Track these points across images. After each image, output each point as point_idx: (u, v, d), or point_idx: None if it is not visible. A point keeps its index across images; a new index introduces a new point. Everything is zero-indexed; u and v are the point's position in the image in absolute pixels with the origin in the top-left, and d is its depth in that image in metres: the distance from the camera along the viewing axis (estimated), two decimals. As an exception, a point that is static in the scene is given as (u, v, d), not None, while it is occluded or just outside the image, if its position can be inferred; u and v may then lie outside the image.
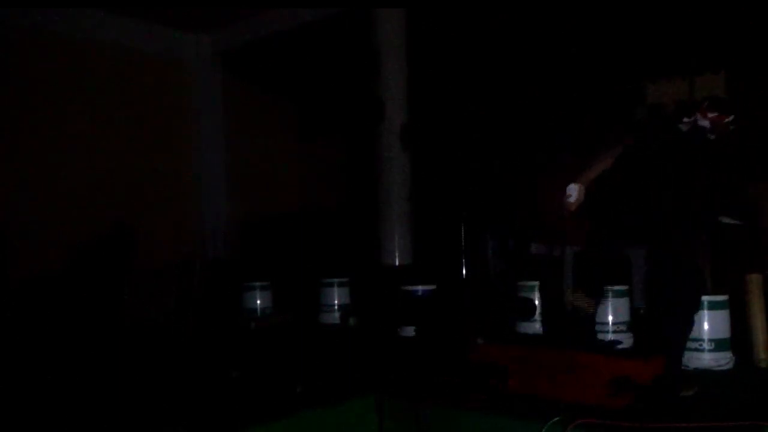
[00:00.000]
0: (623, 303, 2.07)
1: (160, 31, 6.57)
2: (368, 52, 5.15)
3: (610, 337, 2.00)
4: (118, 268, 5.28)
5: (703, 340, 1.81)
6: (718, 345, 1.80)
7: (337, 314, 2.80)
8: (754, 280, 1.90)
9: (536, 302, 2.27)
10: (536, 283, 2.33)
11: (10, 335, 3.84)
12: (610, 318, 2.04)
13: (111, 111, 6.23)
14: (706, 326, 1.81)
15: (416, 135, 5.40)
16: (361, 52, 5.28)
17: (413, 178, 5.26)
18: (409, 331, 2.42)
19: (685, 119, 2.23)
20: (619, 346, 1.90)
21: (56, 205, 5.70)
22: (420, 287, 2.54)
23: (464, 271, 2.43)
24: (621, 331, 2.04)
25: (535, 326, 2.27)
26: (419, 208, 5.26)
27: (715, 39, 5.12)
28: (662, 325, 1.90)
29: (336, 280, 2.86)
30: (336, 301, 2.84)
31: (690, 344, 1.83)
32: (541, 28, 5.46)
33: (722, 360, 1.79)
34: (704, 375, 1.79)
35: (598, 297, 1.96)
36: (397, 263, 5.10)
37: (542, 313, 2.22)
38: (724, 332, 1.83)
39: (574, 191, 2.16)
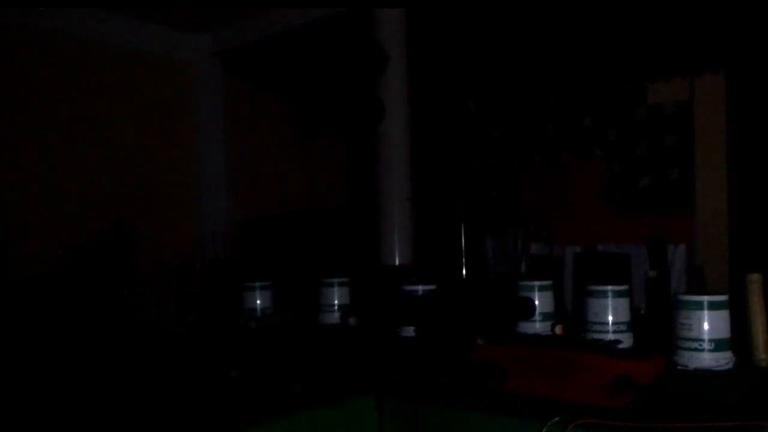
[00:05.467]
0: (623, 303, 2.07)
1: (160, 31, 6.57)
2: (370, 52, 5.15)
3: (610, 337, 2.00)
4: (118, 268, 5.29)
5: (703, 340, 1.80)
6: (718, 345, 1.80)
7: (337, 314, 2.79)
8: (754, 280, 1.89)
9: (536, 302, 2.27)
10: (536, 283, 2.32)
11: (10, 335, 3.84)
12: (610, 318, 2.03)
13: (110, 111, 6.24)
14: (706, 326, 1.80)
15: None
16: (362, 51, 5.28)
17: (413, 178, 5.27)
18: (409, 331, 2.42)
19: None
20: (619, 346, 1.89)
21: (56, 205, 5.72)
22: (420, 287, 2.53)
23: (464, 271, 2.42)
24: (621, 331, 2.03)
25: (535, 326, 2.27)
26: (419, 208, 5.27)
27: (715, 39, 5.13)
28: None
29: (336, 280, 2.85)
30: (336, 301, 2.83)
31: (690, 344, 1.83)
32: (541, 28, 5.47)
33: (722, 360, 1.78)
34: (704, 375, 1.79)
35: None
36: (397, 263, 5.11)
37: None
38: (724, 332, 1.82)
39: None
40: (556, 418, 1.42)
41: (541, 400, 1.58)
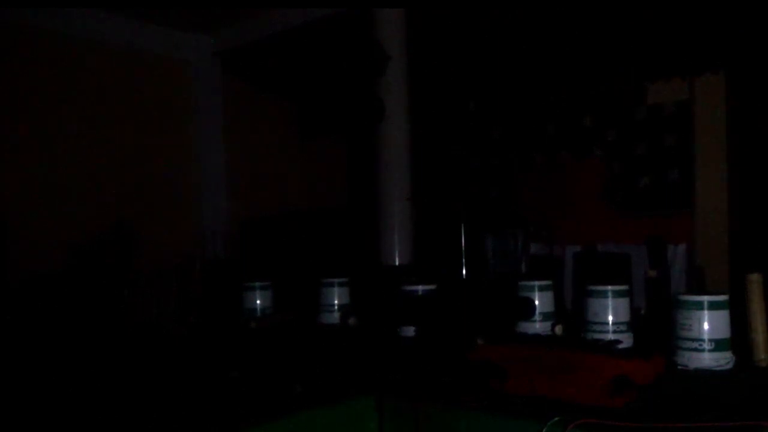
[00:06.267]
0: (623, 303, 2.07)
1: (160, 31, 6.57)
2: (370, 52, 5.15)
3: (610, 337, 2.00)
4: (118, 268, 5.28)
5: (703, 340, 1.80)
6: (718, 345, 1.80)
7: (337, 314, 2.79)
8: (754, 280, 1.89)
9: (536, 302, 2.27)
10: (536, 283, 2.32)
11: (10, 335, 3.84)
12: (610, 318, 2.03)
13: (110, 111, 6.24)
14: (706, 326, 1.81)
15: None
16: (362, 51, 5.28)
17: (413, 178, 5.26)
18: (409, 331, 2.42)
19: None
20: (619, 346, 1.89)
21: (56, 205, 5.71)
22: (420, 287, 2.53)
23: (464, 271, 2.42)
24: (621, 331, 2.03)
25: (535, 326, 2.27)
26: (419, 208, 5.27)
27: (715, 39, 5.12)
28: None
29: (336, 280, 2.85)
30: (336, 301, 2.83)
31: (690, 344, 1.83)
32: (541, 28, 5.47)
33: (722, 360, 1.79)
34: (704, 375, 1.79)
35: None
36: (397, 263, 5.11)
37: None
38: (724, 332, 1.82)
39: None
40: (556, 418, 1.42)
41: (541, 400, 1.59)
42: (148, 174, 6.42)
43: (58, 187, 5.79)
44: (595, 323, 2.05)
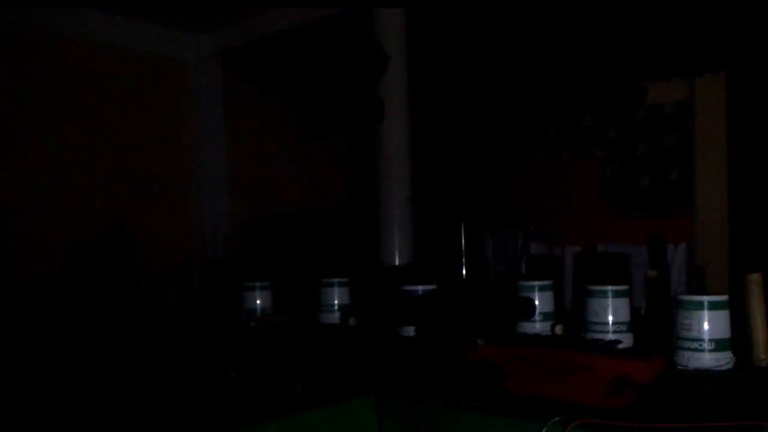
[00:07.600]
0: (623, 303, 2.06)
1: (160, 31, 6.58)
2: (370, 52, 5.15)
3: (610, 337, 2.00)
4: (117, 268, 5.28)
5: (703, 340, 1.80)
6: (718, 345, 1.80)
7: (337, 314, 2.79)
8: (754, 280, 1.89)
9: (536, 302, 2.27)
10: (536, 283, 2.32)
11: (10, 335, 3.84)
12: (610, 318, 2.03)
13: (110, 111, 6.24)
14: (706, 326, 1.80)
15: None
16: (362, 51, 5.29)
17: (413, 178, 5.26)
18: (409, 331, 2.42)
19: None
20: (619, 346, 1.89)
21: (56, 205, 5.71)
22: (420, 287, 2.53)
23: (464, 271, 2.42)
24: (621, 331, 2.03)
25: (535, 326, 2.27)
26: (419, 208, 5.27)
27: (715, 39, 5.12)
28: None
29: (336, 280, 2.85)
30: (336, 301, 2.83)
31: (690, 344, 1.83)
32: (541, 28, 5.47)
33: (722, 360, 1.78)
34: (704, 375, 1.79)
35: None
36: (397, 263, 5.11)
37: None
38: (724, 332, 1.82)
39: None
40: (556, 418, 1.42)
41: (541, 400, 1.59)
42: (148, 174, 6.42)
43: (57, 187, 5.79)
44: (595, 323, 2.05)
